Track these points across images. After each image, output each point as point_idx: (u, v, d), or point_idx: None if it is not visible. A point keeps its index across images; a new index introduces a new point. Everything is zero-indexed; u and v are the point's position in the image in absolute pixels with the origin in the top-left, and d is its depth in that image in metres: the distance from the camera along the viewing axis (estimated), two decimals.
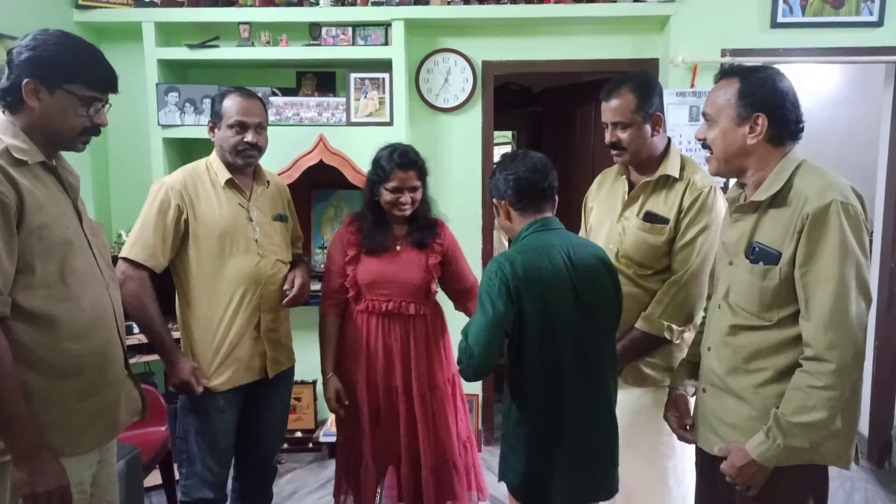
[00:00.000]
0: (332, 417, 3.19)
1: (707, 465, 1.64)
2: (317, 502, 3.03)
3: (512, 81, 5.16)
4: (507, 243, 3.80)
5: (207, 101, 3.09)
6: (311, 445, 3.44)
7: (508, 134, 6.41)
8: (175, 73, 3.36)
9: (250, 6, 3.30)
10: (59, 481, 1.42)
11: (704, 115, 1.58)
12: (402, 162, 2.15)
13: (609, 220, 2.07)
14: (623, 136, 1.95)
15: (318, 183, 3.36)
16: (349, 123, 3.24)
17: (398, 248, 2.24)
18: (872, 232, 3.36)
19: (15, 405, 1.37)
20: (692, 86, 3.20)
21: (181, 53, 3.22)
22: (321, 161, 3.14)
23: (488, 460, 3.32)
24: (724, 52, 3.17)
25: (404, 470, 2.25)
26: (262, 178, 2.24)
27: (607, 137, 1.99)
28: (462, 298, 2.42)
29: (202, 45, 3.21)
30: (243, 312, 2.10)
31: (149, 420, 1.95)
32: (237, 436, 2.21)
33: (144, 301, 2.00)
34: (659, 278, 1.97)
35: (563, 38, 3.40)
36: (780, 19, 3.16)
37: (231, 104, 2.09)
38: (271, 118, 3.13)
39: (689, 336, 1.97)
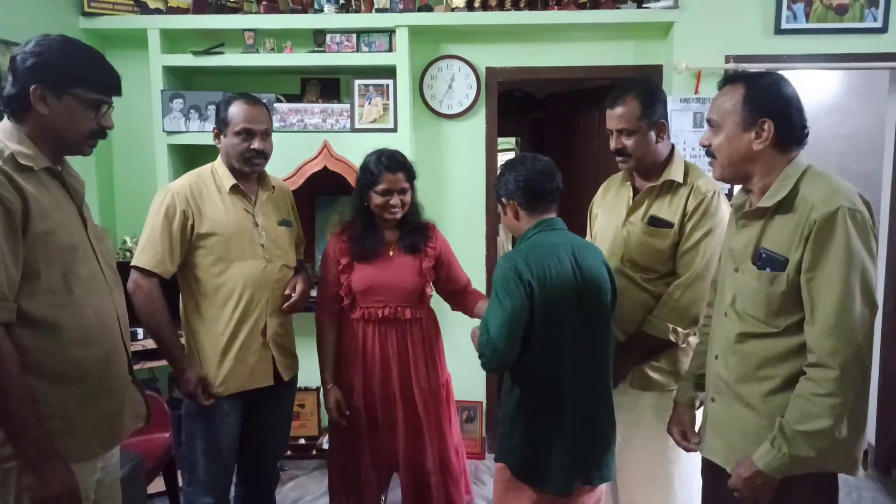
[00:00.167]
0: None
1: (713, 472, 1.63)
2: None
3: (515, 88, 5.17)
4: (509, 245, 3.80)
5: (212, 108, 3.11)
6: (314, 452, 3.43)
7: (512, 140, 6.43)
8: (180, 79, 3.37)
9: (255, 13, 3.32)
10: (68, 485, 1.43)
11: (709, 121, 1.57)
12: (390, 164, 2.17)
13: (614, 225, 2.09)
14: (628, 142, 1.98)
15: (321, 189, 3.37)
16: (353, 130, 3.25)
17: (391, 253, 2.24)
18: (877, 239, 3.34)
19: (23, 412, 1.38)
20: (696, 92, 3.20)
21: (186, 60, 3.23)
22: (325, 167, 3.14)
23: (492, 468, 3.29)
24: (727, 59, 3.16)
25: (404, 477, 2.25)
26: (268, 184, 2.25)
27: (612, 144, 2.02)
28: (458, 298, 2.42)
29: (207, 52, 3.22)
30: (250, 317, 2.10)
31: (152, 426, 1.96)
32: (240, 442, 2.21)
33: (155, 308, 2.01)
34: (664, 282, 1.99)
35: (567, 44, 3.41)
36: (783, 25, 3.16)
37: (237, 111, 2.09)
38: (276, 124, 3.14)
39: (695, 340, 1.97)
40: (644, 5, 3.25)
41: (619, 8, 3.24)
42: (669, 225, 1.96)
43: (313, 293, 2.32)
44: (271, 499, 2.41)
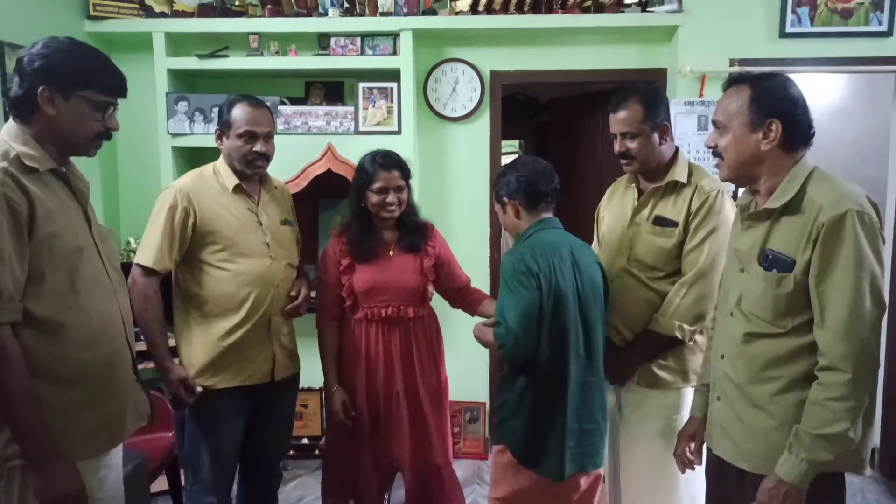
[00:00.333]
0: None
1: (718, 470, 1.63)
2: None
3: (519, 92, 5.18)
4: (511, 244, 3.80)
5: (216, 111, 3.12)
6: (317, 452, 3.43)
7: (516, 143, 6.43)
8: (184, 82, 3.39)
9: (260, 17, 3.33)
10: (74, 485, 1.44)
11: (715, 122, 1.58)
12: (385, 162, 2.19)
13: (621, 226, 2.11)
14: (632, 145, 2.00)
15: (325, 192, 3.37)
16: (357, 132, 3.26)
17: (391, 253, 2.24)
18: (884, 240, 3.34)
19: (29, 413, 1.38)
20: (700, 95, 3.20)
21: (191, 63, 3.25)
22: (329, 169, 3.15)
23: None
24: (732, 62, 3.16)
25: (410, 475, 2.25)
26: (270, 185, 2.26)
27: (616, 147, 2.04)
28: (459, 297, 2.44)
29: (212, 55, 3.24)
30: (256, 313, 2.10)
31: (156, 426, 1.96)
32: (243, 443, 2.21)
33: (149, 306, 2.01)
34: (669, 281, 2.00)
35: (571, 48, 3.41)
36: (788, 29, 3.16)
37: (240, 113, 2.09)
38: (280, 127, 3.16)
39: (701, 339, 1.98)
40: (648, 9, 3.25)
41: (623, 12, 3.25)
42: (674, 224, 1.98)
43: (314, 295, 2.32)
44: (274, 499, 2.42)
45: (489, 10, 3.30)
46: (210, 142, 2.26)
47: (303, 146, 3.18)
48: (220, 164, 2.17)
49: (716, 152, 1.58)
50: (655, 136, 1.99)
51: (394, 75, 3.25)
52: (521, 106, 5.34)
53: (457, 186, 3.51)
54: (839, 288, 1.37)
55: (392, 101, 3.25)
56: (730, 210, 1.96)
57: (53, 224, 1.45)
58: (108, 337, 1.55)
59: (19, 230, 1.38)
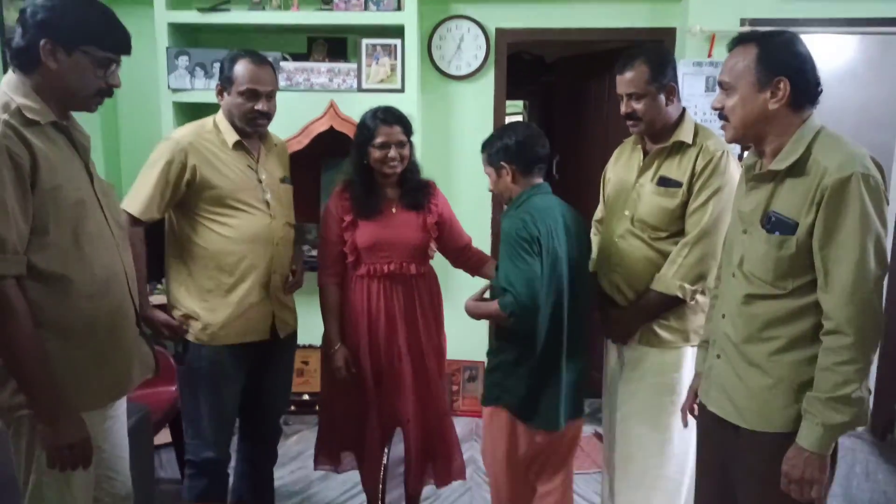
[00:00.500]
0: None
1: (713, 425, 1.65)
2: None
3: (524, 51, 5.09)
4: None
5: (218, 66, 3.07)
6: (317, 408, 3.48)
7: (520, 104, 6.36)
8: (185, 37, 3.33)
9: None
10: (81, 435, 1.47)
11: (721, 83, 1.55)
12: (387, 117, 2.18)
13: (625, 187, 2.12)
14: (638, 106, 1.99)
15: (327, 150, 3.35)
16: (360, 90, 3.22)
17: (393, 210, 2.25)
18: (888, 200, 3.32)
19: (36, 365, 1.40)
20: (709, 55, 3.15)
21: (192, 17, 3.19)
22: (332, 127, 3.12)
23: None
24: (743, 22, 3.10)
25: (414, 430, 2.29)
26: (270, 142, 2.23)
27: (623, 108, 2.03)
28: (462, 257, 2.46)
29: (213, 9, 3.17)
30: (255, 271, 2.10)
31: (159, 380, 1.99)
32: (242, 399, 2.23)
33: (134, 254, 1.91)
34: (673, 241, 2.01)
35: (579, 5, 3.34)
36: None
37: (242, 70, 2.04)
38: (282, 83, 3.11)
39: (703, 299, 2.00)
40: None
41: None
42: (678, 185, 1.98)
43: (314, 253, 2.32)
44: (274, 454, 2.46)
45: None
46: (211, 98, 2.23)
47: (305, 103, 3.15)
48: (220, 118, 2.12)
49: (722, 115, 1.56)
50: (662, 98, 1.98)
51: (398, 32, 3.19)
52: (527, 65, 5.25)
53: (460, 146, 3.48)
54: (844, 252, 1.37)
55: (396, 59, 3.20)
56: (734, 170, 1.95)
57: (56, 177, 1.44)
58: (112, 290, 1.56)
59: (22, 183, 1.38)
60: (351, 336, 2.26)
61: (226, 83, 2.08)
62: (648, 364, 2.07)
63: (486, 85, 3.45)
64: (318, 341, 2.38)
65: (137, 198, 1.99)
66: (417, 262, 2.26)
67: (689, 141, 1.99)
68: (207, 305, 2.08)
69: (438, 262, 2.42)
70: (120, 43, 1.53)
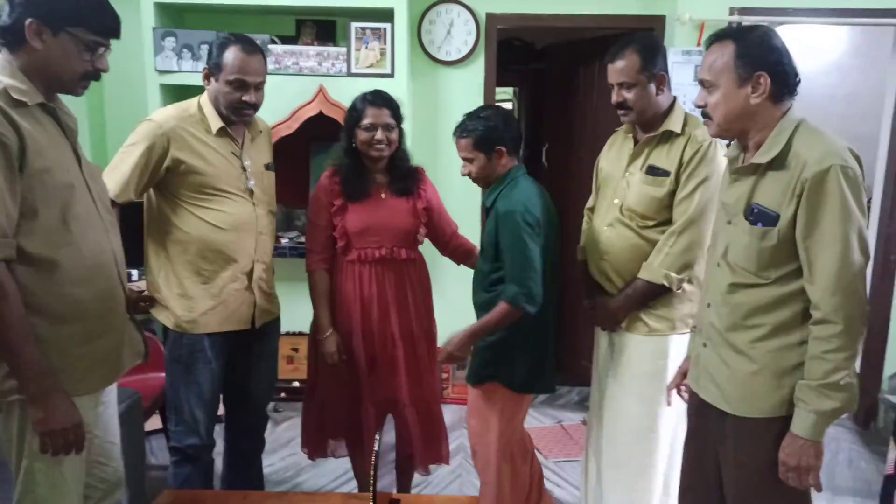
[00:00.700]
0: None
1: (700, 410, 1.68)
2: None
3: (514, 37, 5.07)
4: None
5: (205, 48, 3.03)
6: (304, 396, 3.49)
7: (510, 90, 6.34)
8: (172, 17, 3.28)
9: None
10: (73, 419, 1.46)
11: (702, 82, 1.57)
12: (374, 99, 2.18)
13: (616, 175, 2.14)
14: (628, 95, 2.00)
15: (316, 135, 3.33)
16: (349, 74, 3.19)
17: (382, 195, 2.25)
18: (870, 201, 3.37)
19: (27, 349, 1.39)
20: (698, 44, 3.15)
21: None
22: (321, 112, 3.10)
23: None
24: (732, 11, 3.11)
25: (408, 413, 2.30)
26: (255, 128, 2.20)
27: (613, 97, 2.04)
28: (451, 245, 2.46)
29: None
30: (238, 260, 2.08)
31: (149, 366, 1.98)
32: (227, 388, 2.22)
33: None
34: (661, 230, 2.03)
35: None
36: None
37: (232, 58, 1.98)
38: (270, 66, 3.06)
39: (691, 289, 2.02)
40: None
41: None
42: (666, 174, 2.00)
43: (302, 239, 2.31)
44: (261, 442, 2.45)
45: None
46: (198, 80, 2.19)
47: (293, 87, 3.12)
48: (205, 101, 2.06)
49: (705, 112, 1.58)
50: (652, 87, 1.99)
51: (387, 15, 3.16)
52: (517, 51, 5.24)
53: (450, 132, 3.43)
54: (827, 243, 1.40)
55: (385, 43, 3.18)
56: (722, 160, 1.95)
57: (45, 159, 1.43)
58: (101, 274, 1.55)
59: (10, 165, 1.36)
60: (343, 322, 2.26)
61: (214, 69, 2.02)
62: (635, 351, 2.09)
63: (477, 71, 3.44)
64: (307, 328, 2.37)
65: (114, 178, 1.93)
66: (407, 248, 2.26)
67: (678, 130, 2.00)
68: (188, 292, 2.06)
69: (426, 250, 2.42)
70: (109, 27, 1.50)
